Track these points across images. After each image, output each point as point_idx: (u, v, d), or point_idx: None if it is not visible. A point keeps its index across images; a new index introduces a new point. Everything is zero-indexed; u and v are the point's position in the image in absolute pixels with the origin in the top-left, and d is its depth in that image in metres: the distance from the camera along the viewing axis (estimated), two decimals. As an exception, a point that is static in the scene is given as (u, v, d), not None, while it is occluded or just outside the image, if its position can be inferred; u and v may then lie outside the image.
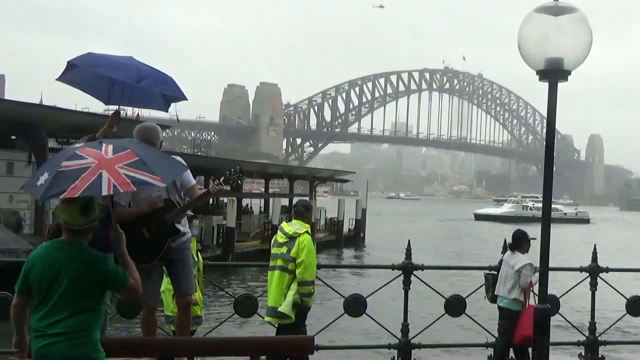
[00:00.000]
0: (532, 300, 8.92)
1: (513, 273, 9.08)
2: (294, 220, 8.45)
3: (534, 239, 8.68)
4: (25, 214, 30.69)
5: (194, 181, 7.17)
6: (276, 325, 8.41)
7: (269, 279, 8.33)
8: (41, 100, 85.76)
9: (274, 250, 8.36)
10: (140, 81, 6.70)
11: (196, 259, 7.91)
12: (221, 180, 6.80)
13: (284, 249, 8.20)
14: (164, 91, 6.98)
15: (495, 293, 9.40)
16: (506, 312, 9.16)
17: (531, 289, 8.98)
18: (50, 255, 4.84)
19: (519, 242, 9.31)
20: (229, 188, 6.90)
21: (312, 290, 8.19)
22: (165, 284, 8.02)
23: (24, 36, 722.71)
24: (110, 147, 5.24)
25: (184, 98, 7.08)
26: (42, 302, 4.76)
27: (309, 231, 8.31)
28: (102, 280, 4.89)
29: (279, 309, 8.08)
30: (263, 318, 8.83)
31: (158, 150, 5.82)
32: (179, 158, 6.01)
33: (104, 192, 4.98)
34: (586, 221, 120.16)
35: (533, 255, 8.54)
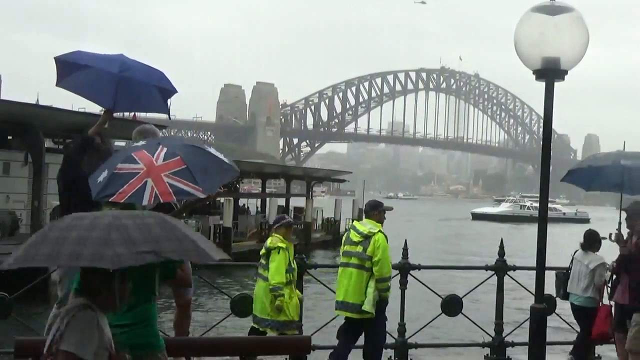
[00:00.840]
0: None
1: (587, 272, 9.18)
2: (365, 220, 8.76)
3: (605, 238, 8.96)
4: (21, 214, 30.67)
5: None
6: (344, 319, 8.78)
7: (341, 275, 8.61)
8: (38, 100, 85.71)
9: (347, 248, 8.64)
10: (124, 71, 6.71)
11: (293, 266, 8.44)
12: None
13: (359, 248, 8.48)
14: (155, 82, 6.99)
15: (567, 291, 9.54)
16: (582, 311, 9.25)
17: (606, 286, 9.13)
18: None
19: (591, 242, 9.40)
20: (226, 190, 6.91)
21: (389, 285, 8.51)
22: (258, 287, 8.38)
23: (20, 36, 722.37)
24: (164, 152, 5.37)
25: (174, 91, 7.09)
26: None
27: (382, 230, 8.61)
28: (155, 272, 5.05)
29: (363, 307, 8.37)
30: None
31: (210, 155, 5.79)
32: (230, 162, 5.94)
33: (145, 202, 5.17)
34: (586, 221, 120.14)
35: (603, 254, 9.25)
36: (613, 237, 8.34)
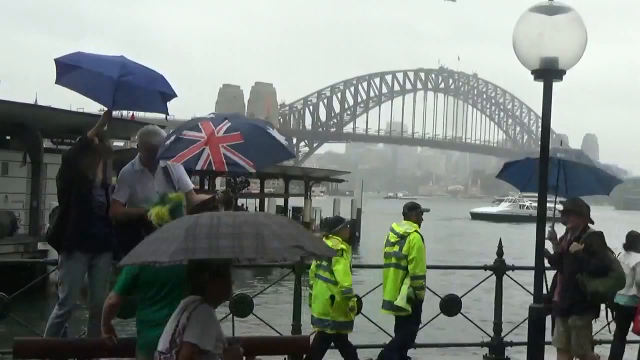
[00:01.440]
0: None
1: (629, 271, 9.18)
2: (403, 221, 9.08)
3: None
4: (20, 214, 30.62)
5: (191, 185, 7.19)
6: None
7: (384, 276, 9.00)
8: (36, 100, 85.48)
9: (386, 250, 9.05)
10: (125, 76, 6.71)
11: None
12: (227, 188, 6.88)
13: (396, 248, 8.88)
14: (155, 86, 7.00)
15: None
16: (625, 310, 9.26)
17: None
18: None
19: (633, 242, 9.42)
20: (235, 196, 6.96)
21: (423, 283, 8.82)
22: (319, 289, 8.41)
23: (19, 36, 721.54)
24: (227, 125, 5.84)
25: (174, 94, 7.10)
26: (154, 297, 5.35)
27: (418, 230, 8.96)
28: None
29: (395, 303, 8.74)
30: (259, 318, 9.01)
31: (269, 136, 6.11)
32: (288, 146, 6.26)
33: (198, 167, 5.71)
34: None
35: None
36: (547, 235, 8.23)
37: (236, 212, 4.47)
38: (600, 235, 8.05)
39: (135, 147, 7.02)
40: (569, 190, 8.65)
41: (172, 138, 5.86)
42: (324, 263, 8.37)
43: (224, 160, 5.63)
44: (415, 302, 8.80)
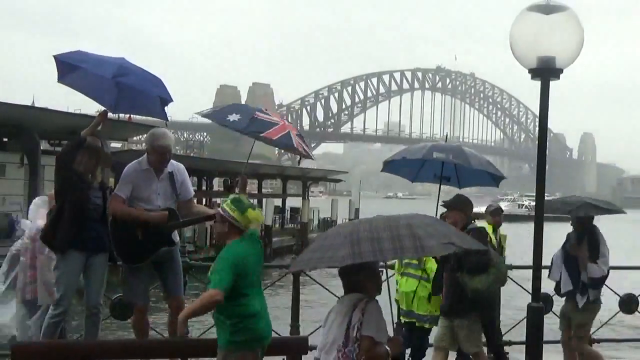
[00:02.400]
0: None
1: None
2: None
3: None
4: (17, 217, 30.56)
5: (192, 193, 7.17)
6: None
7: None
8: (33, 102, 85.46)
9: None
10: (124, 76, 6.70)
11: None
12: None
13: None
14: (156, 92, 6.99)
15: None
16: None
17: None
18: (254, 248, 5.56)
19: None
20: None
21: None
22: (409, 286, 8.38)
23: (16, 38, 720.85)
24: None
25: (170, 100, 7.10)
26: (248, 289, 5.46)
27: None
28: None
29: None
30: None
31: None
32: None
33: (295, 145, 6.46)
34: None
35: None
36: None
37: (387, 216, 4.76)
38: (480, 230, 7.87)
39: (143, 147, 7.03)
40: (461, 180, 8.61)
41: (238, 117, 6.35)
42: (414, 262, 8.39)
43: (303, 146, 6.54)
44: None
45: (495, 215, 9.74)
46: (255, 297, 5.48)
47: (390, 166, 8.84)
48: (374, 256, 4.37)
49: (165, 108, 7.14)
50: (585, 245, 8.25)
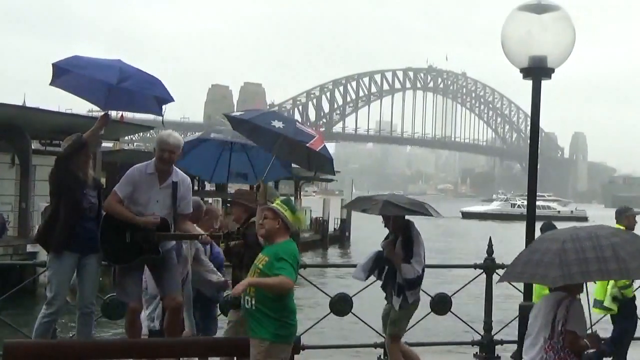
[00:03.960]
0: None
1: None
2: (616, 225, 9.17)
3: None
4: (9, 216, 30.48)
5: (190, 210, 7.11)
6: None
7: None
8: (24, 102, 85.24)
9: None
10: (123, 82, 6.70)
11: None
12: (223, 233, 7.15)
13: None
14: (153, 92, 6.98)
15: None
16: None
17: None
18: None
19: None
20: (225, 242, 7.15)
21: (628, 283, 9.00)
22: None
23: (6, 38, 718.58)
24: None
25: (171, 99, 7.08)
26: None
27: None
28: None
29: (604, 303, 9.10)
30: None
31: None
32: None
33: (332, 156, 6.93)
34: (584, 219, 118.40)
35: None
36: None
37: (590, 230, 5.14)
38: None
39: (153, 150, 6.97)
40: (258, 175, 7.93)
41: (282, 125, 6.56)
42: None
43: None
44: (623, 300, 9.12)
45: (630, 217, 9.64)
46: (293, 296, 5.73)
47: (186, 162, 8.06)
48: (582, 278, 4.95)
49: (164, 107, 7.13)
50: (400, 245, 7.89)
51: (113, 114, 7.45)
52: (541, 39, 6.96)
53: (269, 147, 7.30)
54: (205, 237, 6.87)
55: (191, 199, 7.11)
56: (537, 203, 7.47)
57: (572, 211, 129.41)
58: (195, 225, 7.24)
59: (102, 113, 6.99)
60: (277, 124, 6.56)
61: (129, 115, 7.04)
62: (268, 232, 5.75)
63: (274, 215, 5.72)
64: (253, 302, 5.61)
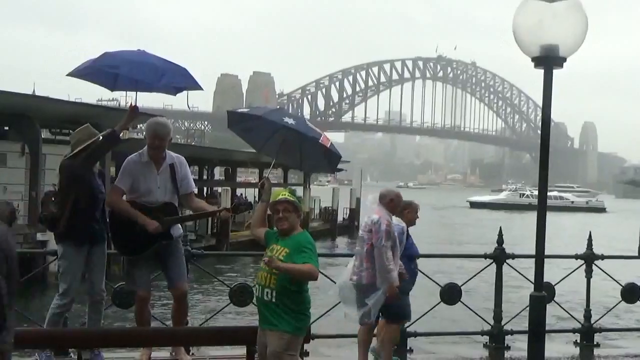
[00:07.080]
0: None
1: None
2: None
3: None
4: (19, 205, 30.58)
5: (194, 187, 7.14)
6: None
7: None
8: (34, 91, 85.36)
9: None
10: (161, 79, 6.69)
11: None
12: (231, 207, 6.94)
13: None
14: (184, 84, 6.97)
15: None
16: None
17: None
18: None
19: None
20: (235, 213, 7.12)
21: None
22: None
23: (16, 28, 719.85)
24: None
25: (199, 88, 7.08)
26: None
27: None
28: None
29: None
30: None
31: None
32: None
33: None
34: (602, 210, 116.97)
35: None
36: None
37: None
38: None
39: (143, 137, 6.99)
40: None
41: (293, 121, 6.44)
42: None
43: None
44: None
45: None
46: (308, 287, 5.69)
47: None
48: None
49: (170, 96, 7.13)
50: None
51: (122, 103, 7.44)
52: (553, 28, 6.91)
53: (260, 145, 6.96)
54: (224, 213, 6.93)
55: (191, 176, 7.16)
56: (551, 193, 7.45)
57: (587, 202, 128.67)
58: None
59: (132, 105, 6.94)
60: (290, 120, 6.51)
61: (139, 104, 6.98)
62: (291, 226, 5.73)
63: (295, 208, 5.76)
64: (274, 294, 5.50)
